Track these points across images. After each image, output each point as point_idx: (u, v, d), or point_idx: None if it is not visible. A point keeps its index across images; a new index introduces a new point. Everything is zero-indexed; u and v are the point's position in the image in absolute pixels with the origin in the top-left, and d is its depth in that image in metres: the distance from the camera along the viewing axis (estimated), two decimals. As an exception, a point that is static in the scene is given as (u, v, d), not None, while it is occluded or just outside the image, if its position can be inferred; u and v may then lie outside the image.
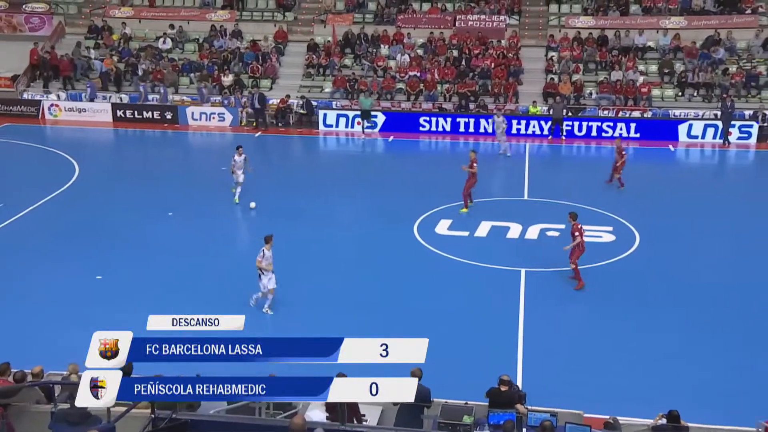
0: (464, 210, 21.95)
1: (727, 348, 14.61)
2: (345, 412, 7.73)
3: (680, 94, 33.43)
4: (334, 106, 33.96)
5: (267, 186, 24.84)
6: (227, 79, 35.28)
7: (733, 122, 30.72)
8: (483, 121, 32.06)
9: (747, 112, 31.56)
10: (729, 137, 30.52)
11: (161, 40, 37.53)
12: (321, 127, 32.94)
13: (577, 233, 17.31)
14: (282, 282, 17.22)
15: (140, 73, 35.67)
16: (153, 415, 7.14)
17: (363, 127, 32.27)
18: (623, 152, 24.47)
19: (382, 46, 36.76)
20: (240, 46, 37.15)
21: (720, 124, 30.70)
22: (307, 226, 21.13)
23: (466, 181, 22.14)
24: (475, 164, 21.98)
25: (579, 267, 17.41)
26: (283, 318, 15.72)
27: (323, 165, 29.81)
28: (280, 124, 33.59)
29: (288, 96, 33.74)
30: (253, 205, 22.05)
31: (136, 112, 34.16)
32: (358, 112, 32.77)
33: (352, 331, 14.86)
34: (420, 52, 36.34)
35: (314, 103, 33.82)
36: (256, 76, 35.78)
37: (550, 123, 31.54)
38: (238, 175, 22.71)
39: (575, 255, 17.36)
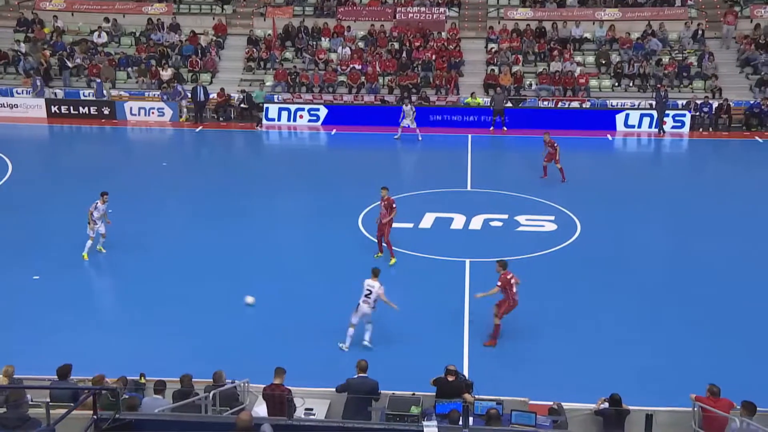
0: (393, 261, 18.15)
1: (667, 332, 14.99)
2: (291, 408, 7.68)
3: (617, 84, 34.16)
4: (275, 100, 33.70)
5: (208, 183, 24.55)
6: (166, 74, 34.64)
7: (667, 112, 31.52)
8: (425, 114, 32.22)
9: (680, 102, 32.42)
10: (664, 126, 31.32)
11: (96, 33, 36.62)
12: (263, 121, 32.61)
13: (507, 286, 14.32)
14: (224, 281, 17.08)
15: (70, 66, 34.71)
16: (95, 416, 6.97)
17: (259, 121, 32.14)
18: (555, 144, 24.38)
19: (322, 38, 36.61)
20: (178, 39, 36.50)
21: (655, 113, 31.48)
22: (251, 223, 20.90)
23: (382, 227, 18.15)
24: (394, 205, 18.05)
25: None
26: (228, 319, 15.52)
27: (265, 160, 29.53)
28: (221, 119, 33.17)
29: (222, 89, 33.21)
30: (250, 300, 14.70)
31: (71, 108, 33.25)
32: (298, 107, 32.63)
33: (300, 328, 14.93)
34: (361, 44, 36.31)
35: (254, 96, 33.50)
36: (196, 70, 35.23)
37: (491, 114, 31.85)
38: (96, 228, 18.07)
39: (502, 309, 14.49)
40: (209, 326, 15.07)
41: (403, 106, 30.25)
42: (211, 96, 33.27)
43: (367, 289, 14.27)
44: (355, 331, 14.36)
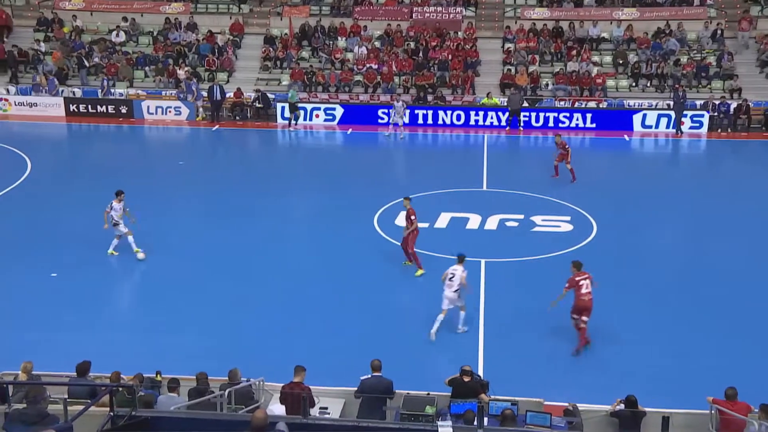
0: (420, 272, 17.67)
1: (685, 334, 14.88)
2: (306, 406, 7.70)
3: (634, 84, 33.97)
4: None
5: (224, 182, 24.65)
6: (183, 73, 34.81)
7: (684, 112, 31.30)
8: (441, 113, 32.20)
9: (698, 102, 32.18)
10: (681, 127, 31.09)
11: (114, 33, 36.87)
12: (279, 120, 32.73)
13: (574, 287, 14.19)
14: (239, 280, 17.14)
15: (87, 66, 34.96)
16: (112, 413, 7.01)
17: (290, 121, 32.00)
18: (566, 146, 24.38)
19: (339, 38, 36.65)
20: (195, 39, 36.68)
21: (672, 114, 31.26)
22: (267, 222, 20.96)
23: (406, 238, 17.90)
24: (413, 217, 17.68)
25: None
26: (243, 317, 15.59)
27: (281, 159, 29.61)
28: (237, 118, 33.29)
29: (239, 89, 33.34)
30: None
31: (89, 107, 33.50)
32: (314, 106, 32.69)
33: (314, 326, 14.97)
34: (377, 44, 36.31)
35: (271, 96, 33.58)
36: (213, 69, 35.38)
37: (507, 114, 31.77)
38: (120, 228, 18.11)
39: (573, 311, 14.41)
40: (225, 324, 15.13)
41: (395, 103, 30.32)
42: (228, 95, 33.40)
43: (451, 273, 14.64)
44: (448, 317, 14.67)
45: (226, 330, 14.91)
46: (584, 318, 14.24)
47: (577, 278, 14.31)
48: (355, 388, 11.14)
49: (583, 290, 14.21)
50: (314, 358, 13.13)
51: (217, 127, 32.29)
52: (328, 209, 22.19)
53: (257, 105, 33.20)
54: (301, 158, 29.36)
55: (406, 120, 30.57)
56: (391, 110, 30.55)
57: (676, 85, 32.57)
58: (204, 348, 14.04)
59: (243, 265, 17.94)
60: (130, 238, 18.08)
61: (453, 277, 14.64)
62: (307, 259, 18.56)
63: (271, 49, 35.99)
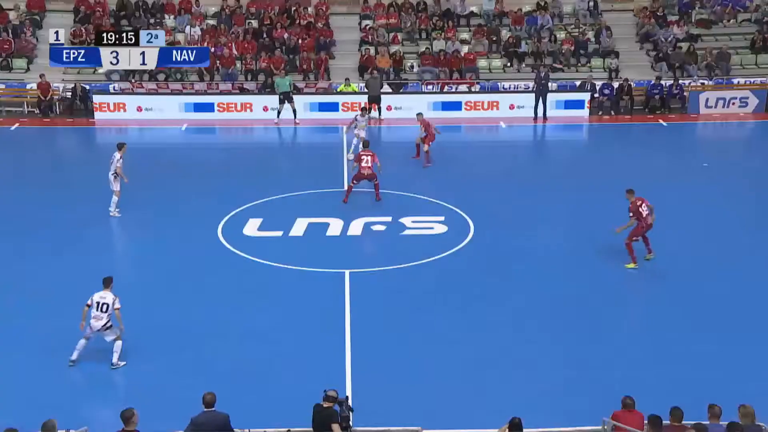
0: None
1: (563, 344, 15.52)
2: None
3: (509, 64, 35.22)
4: (112, 90, 32.77)
5: (23, 197, 23.43)
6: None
7: (564, 93, 32.78)
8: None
9: (577, 82, 33.80)
10: (544, 111, 32.12)
11: None
12: (97, 115, 31.67)
13: (636, 212, 18.04)
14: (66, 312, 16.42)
15: None
16: None
17: (279, 113, 31.42)
18: (430, 127, 25.80)
19: (166, 16, 35.88)
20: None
21: (534, 96, 32.33)
22: (91, 238, 20.18)
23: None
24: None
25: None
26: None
27: (99, 163, 28.39)
28: (51, 113, 32.05)
29: (42, 75, 31.94)
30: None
31: None
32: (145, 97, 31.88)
33: (158, 359, 14.54)
34: (213, 22, 35.83)
35: (86, 87, 32.47)
36: (9, 56, 33.75)
37: (366, 102, 32.08)
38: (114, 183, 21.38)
39: (632, 233, 18.35)
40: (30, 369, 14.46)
41: (357, 115, 27.55)
42: (28, 86, 32.08)
43: (99, 300, 14.18)
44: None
45: (40, 377, 14.25)
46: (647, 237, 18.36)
47: (638, 203, 17.97)
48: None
49: (644, 213, 18.00)
50: (143, 395, 12.80)
51: (17, 125, 30.89)
52: (162, 221, 21.64)
53: (69, 97, 32.07)
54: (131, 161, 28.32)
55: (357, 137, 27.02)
56: (350, 126, 27.30)
57: (540, 65, 33.87)
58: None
59: (73, 292, 17.11)
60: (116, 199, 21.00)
61: (104, 306, 14.15)
62: (144, 278, 18.03)
63: (83, 29, 34.66)
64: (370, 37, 35.64)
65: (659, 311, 16.86)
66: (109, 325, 14.22)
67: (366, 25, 36.30)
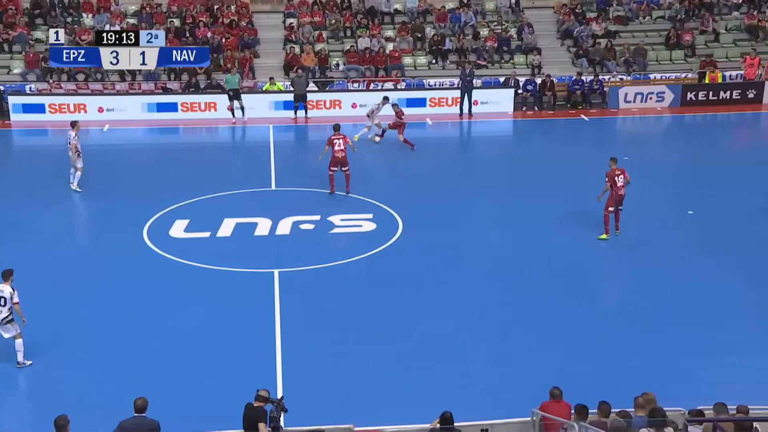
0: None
1: (493, 337, 15.79)
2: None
3: (434, 61, 35.53)
4: (27, 91, 32.00)
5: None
6: None
7: (486, 90, 33.20)
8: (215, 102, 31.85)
9: (501, 79, 34.29)
10: (470, 108, 32.52)
11: None
12: (13, 117, 30.87)
13: (611, 181, 19.41)
14: None
15: None
16: None
17: (233, 111, 30.94)
18: (402, 115, 27.55)
19: (84, 14, 35.15)
20: None
21: (458, 94, 32.72)
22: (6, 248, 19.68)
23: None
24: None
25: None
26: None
27: (18, 166, 27.74)
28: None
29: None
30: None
31: None
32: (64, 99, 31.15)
33: (88, 366, 14.29)
34: (133, 21, 35.23)
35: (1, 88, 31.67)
36: None
37: (294, 100, 31.98)
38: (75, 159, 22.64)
39: (608, 202, 19.70)
40: None
41: (379, 103, 28.44)
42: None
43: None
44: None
45: None
46: (620, 208, 19.67)
47: (616, 172, 19.31)
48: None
49: (619, 183, 19.28)
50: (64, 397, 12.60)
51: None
52: (85, 225, 21.29)
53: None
54: (43, 164, 27.57)
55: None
56: (374, 113, 28.34)
57: (465, 62, 34.30)
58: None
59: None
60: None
61: (1, 300, 14.15)
62: (67, 285, 17.68)
63: (-5, 28, 33.75)
64: (294, 35, 35.53)
65: (595, 301, 17.33)
66: (9, 318, 14.20)
67: (290, 23, 36.16)
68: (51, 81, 32.54)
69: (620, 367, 14.51)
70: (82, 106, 31.29)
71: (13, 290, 14.20)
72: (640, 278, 18.45)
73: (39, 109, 31.20)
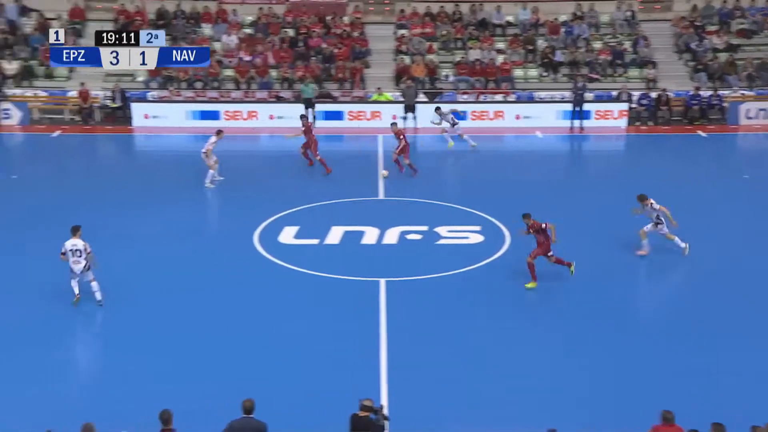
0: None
1: (590, 356, 15.49)
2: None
3: (544, 73, 35.16)
4: (150, 98, 33.19)
5: (71, 201, 23.78)
6: (11, 67, 33.63)
7: (600, 104, 32.61)
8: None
9: (614, 92, 33.63)
10: (582, 122, 32.07)
11: None
12: (135, 122, 32.08)
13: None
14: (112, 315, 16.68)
15: None
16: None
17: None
18: (401, 137, 25.84)
19: (203, 25, 36.27)
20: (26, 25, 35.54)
21: (572, 107, 32.27)
22: (128, 247, 20.35)
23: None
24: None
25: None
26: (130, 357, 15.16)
27: (139, 171, 28.76)
28: (91, 121, 32.59)
29: (83, 84, 32.48)
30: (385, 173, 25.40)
31: None
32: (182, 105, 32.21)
33: (195, 367, 14.69)
34: (249, 31, 36.14)
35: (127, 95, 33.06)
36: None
37: (403, 111, 32.14)
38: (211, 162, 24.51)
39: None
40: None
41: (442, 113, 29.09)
42: (69, 94, 32.61)
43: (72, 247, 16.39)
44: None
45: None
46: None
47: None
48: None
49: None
50: (180, 399, 12.92)
51: (58, 132, 31.38)
52: (199, 230, 21.86)
53: (112, 105, 32.53)
54: (160, 170, 28.53)
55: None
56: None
57: (577, 75, 33.75)
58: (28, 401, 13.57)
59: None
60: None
61: (77, 252, 16.35)
62: (180, 287, 18.20)
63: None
64: (405, 46, 35.76)
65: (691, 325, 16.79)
66: (87, 266, 16.48)
67: (401, 34, 36.42)
68: (171, 88, 33.68)
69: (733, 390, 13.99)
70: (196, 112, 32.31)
71: (85, 243, 16.36)
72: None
73: (159, 116, 32.40)
